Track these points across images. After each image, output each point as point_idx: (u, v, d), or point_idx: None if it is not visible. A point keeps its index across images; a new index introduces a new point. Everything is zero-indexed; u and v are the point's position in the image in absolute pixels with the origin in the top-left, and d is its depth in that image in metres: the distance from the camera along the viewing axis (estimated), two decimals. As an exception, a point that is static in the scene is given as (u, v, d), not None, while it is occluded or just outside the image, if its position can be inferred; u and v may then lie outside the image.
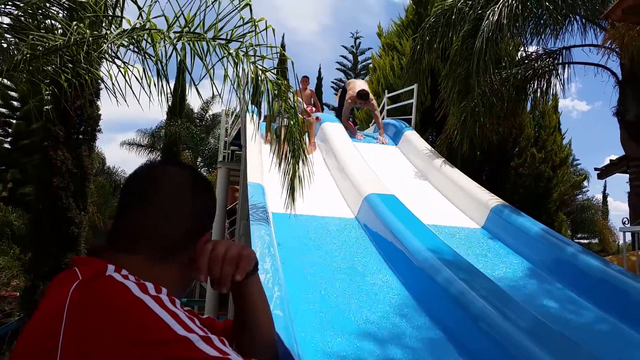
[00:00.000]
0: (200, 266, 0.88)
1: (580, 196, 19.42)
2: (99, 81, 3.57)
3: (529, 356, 2.35)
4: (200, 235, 0.90)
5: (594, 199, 23.59)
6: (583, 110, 59.69)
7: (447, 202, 5.64)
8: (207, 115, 22.03)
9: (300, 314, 2.93)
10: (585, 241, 21.51)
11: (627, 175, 8.76)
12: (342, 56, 26.92)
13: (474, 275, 3.25)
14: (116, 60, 3.24)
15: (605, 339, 3.11)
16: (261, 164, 5.48)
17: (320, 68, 24.46)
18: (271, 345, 1.01)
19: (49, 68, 3.32)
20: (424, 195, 5.75)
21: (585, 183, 17.56)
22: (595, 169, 10.34)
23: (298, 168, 3.98)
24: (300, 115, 4.50)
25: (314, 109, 8.84)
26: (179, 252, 0.88)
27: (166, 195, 0.88)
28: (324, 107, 19.36)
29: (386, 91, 10.56)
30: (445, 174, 6.05)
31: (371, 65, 14.09)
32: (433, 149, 7.20)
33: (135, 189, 0.90)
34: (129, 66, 3.18)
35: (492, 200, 5.15)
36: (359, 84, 8.46)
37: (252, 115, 5.30)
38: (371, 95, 8.43)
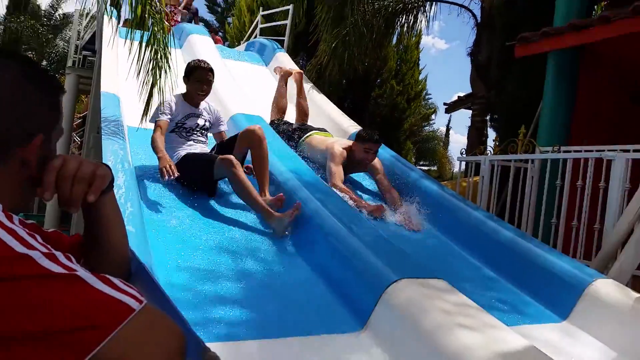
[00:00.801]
0: (46, 183, 0.80)
1: (427, 127, 21.28)
2: None
3: (369, 265, 2.61)
4: (28, 137, 0.81)
5: (439, 131, 26.08)
6: (441, 48, 63.94)
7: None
8: (56, 14, 19.39)
9: (155, 231, 2.90)
10: (426, 168, 23.81)
11: (470, 112, 9.78)
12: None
13: (329, 195, 3.47)
14: None
15: (434, 252, 3.59)
16: (117, 72, 5.08)
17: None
18: (124, 262, 1.00)
19: None
20: (289, 118, 5.85)
21: (433, 116, 19.15)
22: (445, 104, 11.34)
23: (159, 78, 3.77)
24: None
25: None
26: (1, 157, 0.79)
27: None
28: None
29: (261, 8, 10.22)
30: (312, 99, 6.17)
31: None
32: (303, 74, 7.25)
33: None
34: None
35: (352, 127, 5.43)
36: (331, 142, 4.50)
37: (111, 18, 4.83)
38: None
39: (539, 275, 3.15)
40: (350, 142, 4.44)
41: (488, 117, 9.25)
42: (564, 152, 4.76)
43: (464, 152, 5.71)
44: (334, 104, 6.16)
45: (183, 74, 3.73)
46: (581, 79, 5.78)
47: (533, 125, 6.29)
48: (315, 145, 4.58)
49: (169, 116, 3.58)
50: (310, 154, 4.60)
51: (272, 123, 5.04)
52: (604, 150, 4.22)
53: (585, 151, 4.48)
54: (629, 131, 5.71)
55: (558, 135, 5.50)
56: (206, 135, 3.88)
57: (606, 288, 2.90)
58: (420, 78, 12.59)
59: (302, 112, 5.40)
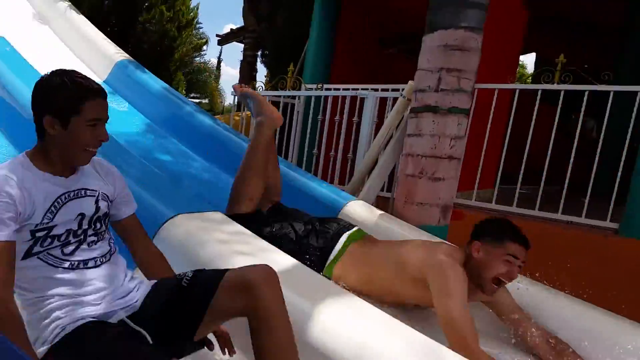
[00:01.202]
0: None
1: (198, 59, 20.93)
2: None
3: (141, 204, 2.54)
4: None
5: (210, 63, 25.84)
6: (212, -26, 61.72)
7: (68, 52, 5.13)
8: None
9: None
10: (197, 101, 23.60)
11: (242, 45, 9.87)
12: None
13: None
14: None
15: (210, 185, 3.65)
16: None
17: None
18: None
19: None
20: (41, 42, 5.06)
21: (205, 47, 18.82)
22: (217, 35, 11.19)
23: None
24: None
25: None
26: None
27: None
28: None
29: None
30: (69, 20, 5.40)
31: None
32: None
33: None
34: None
35: (118, 54, 4.97)
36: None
37: None
38: None
39: (303, 200, 3.49)
40: (453, 247, 2.35)
41: (260, 52, 9.47)
42: (326, 89, 5.23)
43: (237, 87, 5.79)
44: (96, 27, 5.50)
45: (46, 110, 1.45)
46: (341, 21, 6.32)
47: (300, 62, 6.70)
48: (373, 264, 2.44)
49: (15, 225, 1.37)
50: (357, 279, 2.45)
51: (236, 219, 2.51)
52: (358, 89, 4.76)
53: (343, 89, 5.01)
54: (379, 72, 6.56)
55: (321, 73, 5.99)
56: (107, 226, 1.68)
57: (357, 208, 3.39)
58: (191, 6, 12.11)
59: (274, 187, 3.03)
